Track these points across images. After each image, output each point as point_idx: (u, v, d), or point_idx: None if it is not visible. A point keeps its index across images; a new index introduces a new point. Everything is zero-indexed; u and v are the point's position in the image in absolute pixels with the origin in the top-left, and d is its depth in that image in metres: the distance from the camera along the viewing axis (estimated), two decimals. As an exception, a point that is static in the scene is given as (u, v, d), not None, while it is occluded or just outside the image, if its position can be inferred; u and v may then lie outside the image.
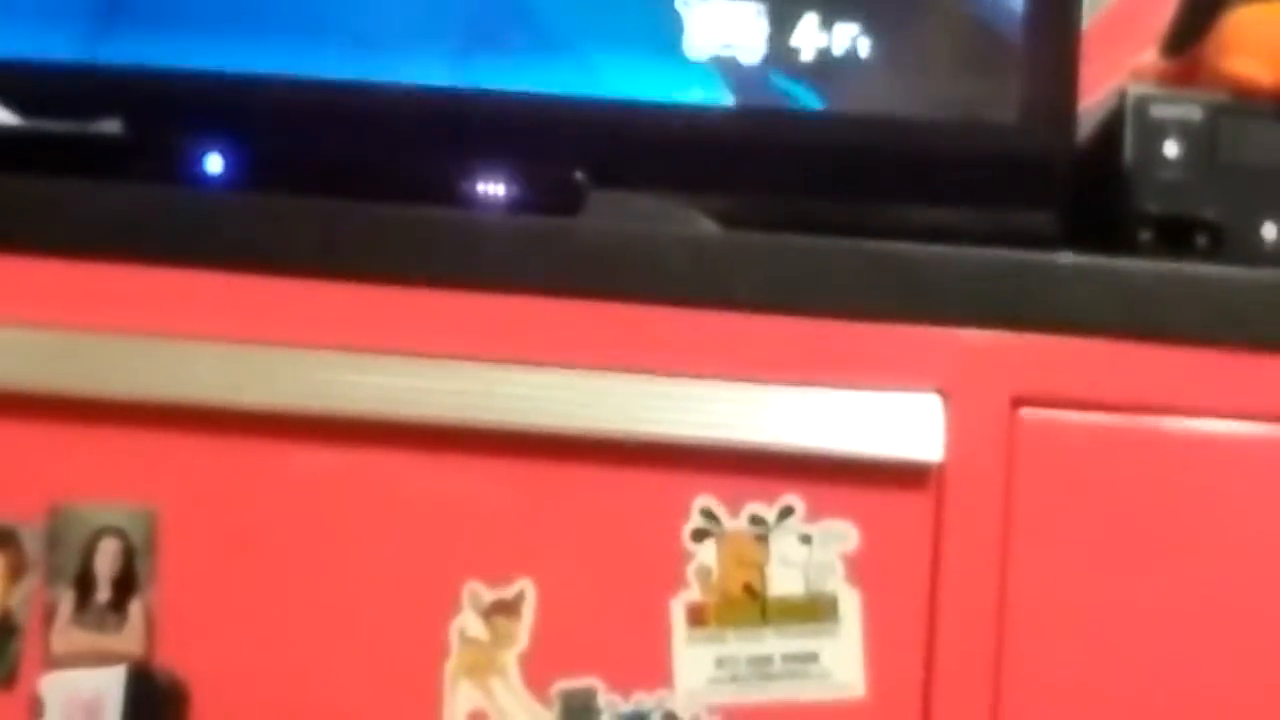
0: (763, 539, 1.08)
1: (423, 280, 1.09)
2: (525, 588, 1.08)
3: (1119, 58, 1.35)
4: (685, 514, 1.08)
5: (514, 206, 1.15)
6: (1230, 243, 1.14)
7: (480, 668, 1.08)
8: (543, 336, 1.09)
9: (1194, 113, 1.15)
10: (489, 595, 1.08)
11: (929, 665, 1.07)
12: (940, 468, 1.07)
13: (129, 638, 1.08)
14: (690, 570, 1.08)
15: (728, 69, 1.24)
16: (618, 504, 1.08)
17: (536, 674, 1.08)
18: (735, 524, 1.08)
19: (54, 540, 1.09)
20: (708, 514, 1.08)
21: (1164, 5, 1.32)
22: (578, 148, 1.20)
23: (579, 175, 1.15)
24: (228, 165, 1.17)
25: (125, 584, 1.09)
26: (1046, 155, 1.22)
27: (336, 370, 1.08)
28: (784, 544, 1.07)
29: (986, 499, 1.07)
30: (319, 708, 1.08)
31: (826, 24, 1.24)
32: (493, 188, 1.15)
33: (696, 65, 1.24)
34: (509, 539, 1.08)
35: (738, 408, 1.07)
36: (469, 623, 1.08)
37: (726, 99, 1.24)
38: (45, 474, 1.10)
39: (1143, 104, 1.15)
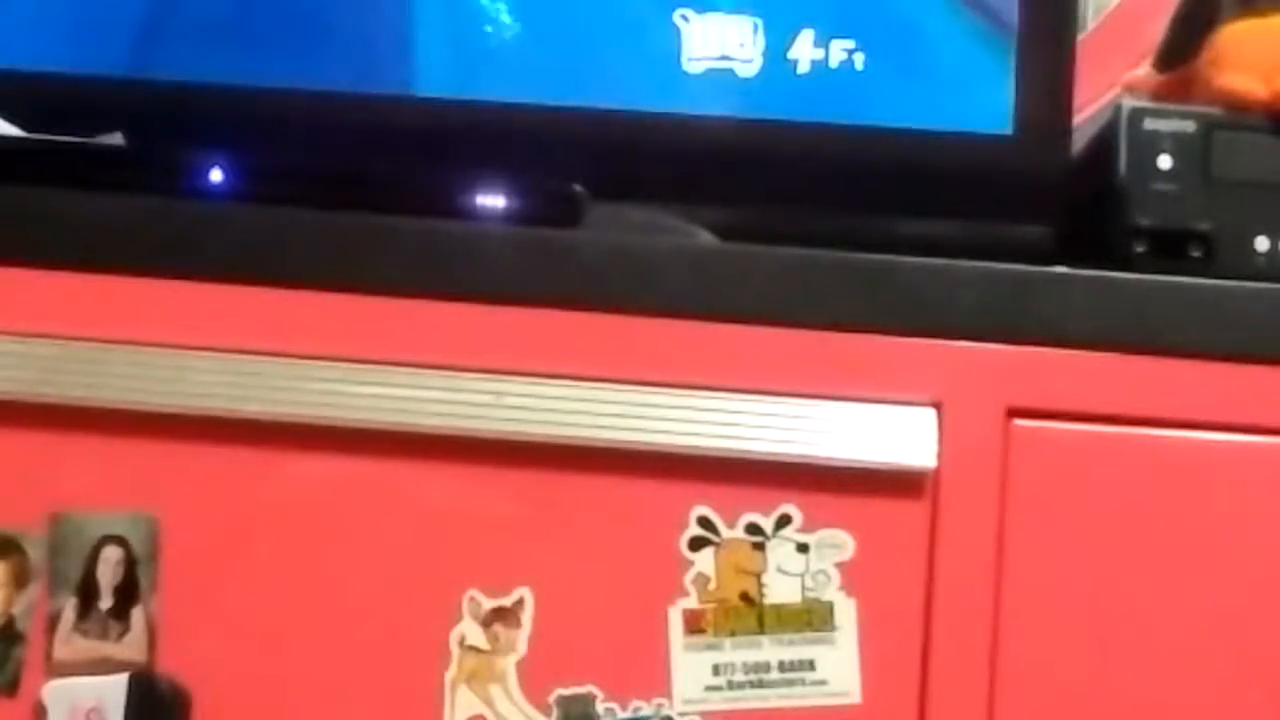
0: (760, 548, 1.08)
1: (422, 291, 1.09)
2: (524, 596, 1.08)
3: (1113, 72, 1.36)
4: (683, 523, 1.08)
5: (513, 219, 1.14)
6: (1223, 255, 1.14)
7: (480, 675, 1.08)
8: (541, 347, 1.09)
9: (1188, 126, 1.15)
10: (489, 603, 1.08)
11: (924, 673, 1.07)
12: (935, 479, 1.08)
13: (131, 645, 1.09)
14: (688, 579, 1.08)
15: (726, 82, 1.24)
16: (616, 513, 1.09)
17: (535, 682, 1.08)
18: (733, 533, 1.08)
19: (56, 548, 1.09)
20: (705, 523, 1.08)
21: (1158, 19, 1.32)
22: (577, 160, 1.20)
23: (578, 188, 1.15)
24: (228, 177, 1.16)
25: (127, 592, 1.09)
26: (1041, 168, 1.22)
27: (336, 380, 1.09)
28: (781, 553, 1.08)
29: (981, 510, 1.07)
30: (320, 715, 1.09)
31: (823, 38, 1.24)
32: (492, 200, 1.15)
33: (695, 78, 1.25)
34: (508, 548, 1.09)
35: (735, 418, 1.08)
36: (469, 631, 1.08)
37: (725, 112, 1.25)
38: (47, 483, 1.10)
39: (1137, 117, 1.15)
